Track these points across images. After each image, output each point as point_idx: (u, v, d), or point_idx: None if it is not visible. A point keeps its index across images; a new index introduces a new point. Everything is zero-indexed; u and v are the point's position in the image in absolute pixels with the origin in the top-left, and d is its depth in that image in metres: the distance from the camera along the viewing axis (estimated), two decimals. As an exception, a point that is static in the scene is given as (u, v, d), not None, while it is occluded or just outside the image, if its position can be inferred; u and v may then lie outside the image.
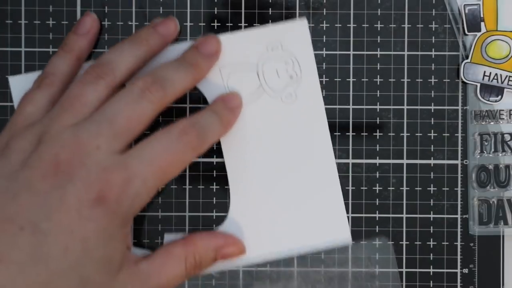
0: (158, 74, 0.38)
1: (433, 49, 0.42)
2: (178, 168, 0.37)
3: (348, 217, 0.42)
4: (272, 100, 0.42)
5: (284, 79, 0.42)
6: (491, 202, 0.42)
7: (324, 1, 0.43)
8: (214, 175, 0.42)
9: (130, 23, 0.43)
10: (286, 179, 0.42)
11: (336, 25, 0.43)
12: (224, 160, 0.42)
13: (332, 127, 0.42)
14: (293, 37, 0.42)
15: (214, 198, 0.42)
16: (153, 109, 0.37)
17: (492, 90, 0.42)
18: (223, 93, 0.41)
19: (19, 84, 0.42)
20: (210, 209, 0.42)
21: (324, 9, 0.43)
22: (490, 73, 0.42)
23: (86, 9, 0.42)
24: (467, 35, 0.42)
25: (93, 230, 0.35)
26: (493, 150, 0.42)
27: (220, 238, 0.40)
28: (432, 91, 0.43)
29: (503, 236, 0.42)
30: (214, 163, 0.42)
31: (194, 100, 0.42)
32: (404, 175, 0.43)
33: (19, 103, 0.39)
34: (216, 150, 0.42)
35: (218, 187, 0.42)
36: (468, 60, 0.42)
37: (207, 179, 0.42)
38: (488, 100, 0.42)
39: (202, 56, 0.41)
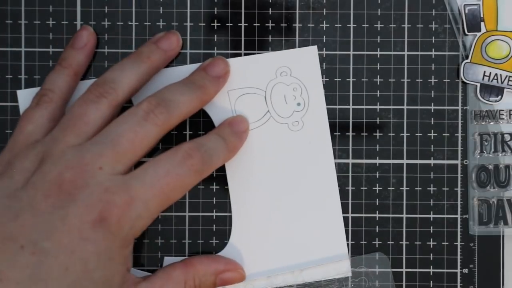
0: (163, 95, 0.38)
1: (433, 49, 0.42)
2: (181, 192, 0.37)
3: (348, 217, 0.42)
4: (279, 126, 0.42)
5: (292, 105, 0.42)
6: (491, 202, 0.42)
7: (324, 1, 0.43)
8: (214, 175, 0.42)
9: (130, 23, 0.43)
10: (289, 206, 0.42)
11: (336, 25, 0.43)
12: (228, 184, 0.42)
13: (332, 127, 0.42)
14: (302, 64, 0.42)
15: (214, 198, 0.42)
16: (157, 131, 0.37)
17: (492, 90, 0.42)
18: (230, 117, 0.41)
19: (27, 97, 0.42)
20: (210, 209, 0.42)
21: (324, 9, 0.43)
22: (490, 73, 0.42)
23: (86, 9, 0.43)
24: (467, 35, 0.42)
25: (94, 251, 0.34)
26: (493, 150, 0.42)
27: (221, 263, 0.40)
28: (432, 91, 0.43)
29: (503, 236, 0.42)
30: (214, 163, 0.42)
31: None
32: (404, 175, 0.42)
33: (19, 121, 0.39)
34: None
35: (218, 187, 0.42)
36: (468, 60, 0.42)
37: (207, 179, 0.42)
38: (488, 100, 0.42)
39: (209, 78, 0.40)
